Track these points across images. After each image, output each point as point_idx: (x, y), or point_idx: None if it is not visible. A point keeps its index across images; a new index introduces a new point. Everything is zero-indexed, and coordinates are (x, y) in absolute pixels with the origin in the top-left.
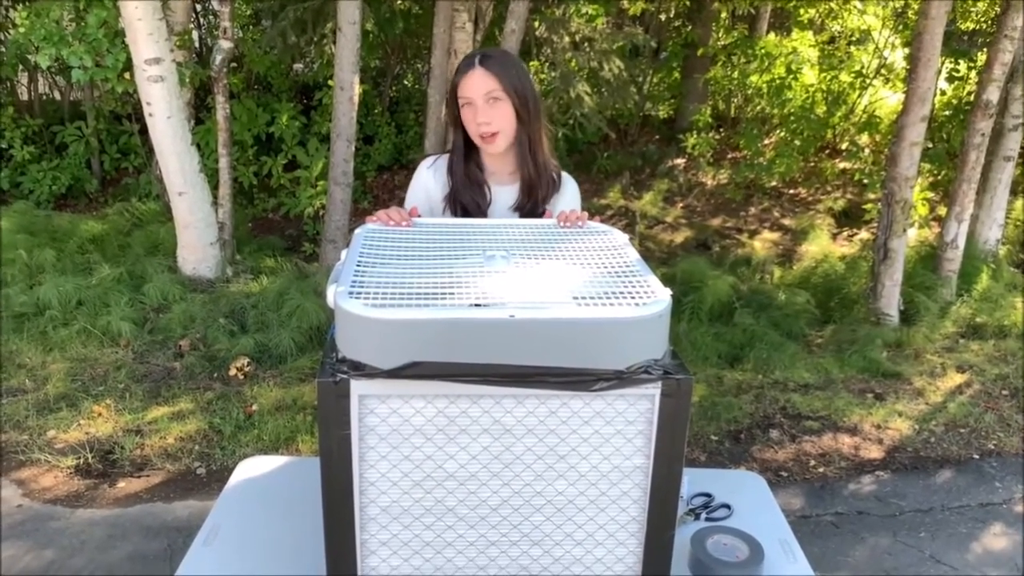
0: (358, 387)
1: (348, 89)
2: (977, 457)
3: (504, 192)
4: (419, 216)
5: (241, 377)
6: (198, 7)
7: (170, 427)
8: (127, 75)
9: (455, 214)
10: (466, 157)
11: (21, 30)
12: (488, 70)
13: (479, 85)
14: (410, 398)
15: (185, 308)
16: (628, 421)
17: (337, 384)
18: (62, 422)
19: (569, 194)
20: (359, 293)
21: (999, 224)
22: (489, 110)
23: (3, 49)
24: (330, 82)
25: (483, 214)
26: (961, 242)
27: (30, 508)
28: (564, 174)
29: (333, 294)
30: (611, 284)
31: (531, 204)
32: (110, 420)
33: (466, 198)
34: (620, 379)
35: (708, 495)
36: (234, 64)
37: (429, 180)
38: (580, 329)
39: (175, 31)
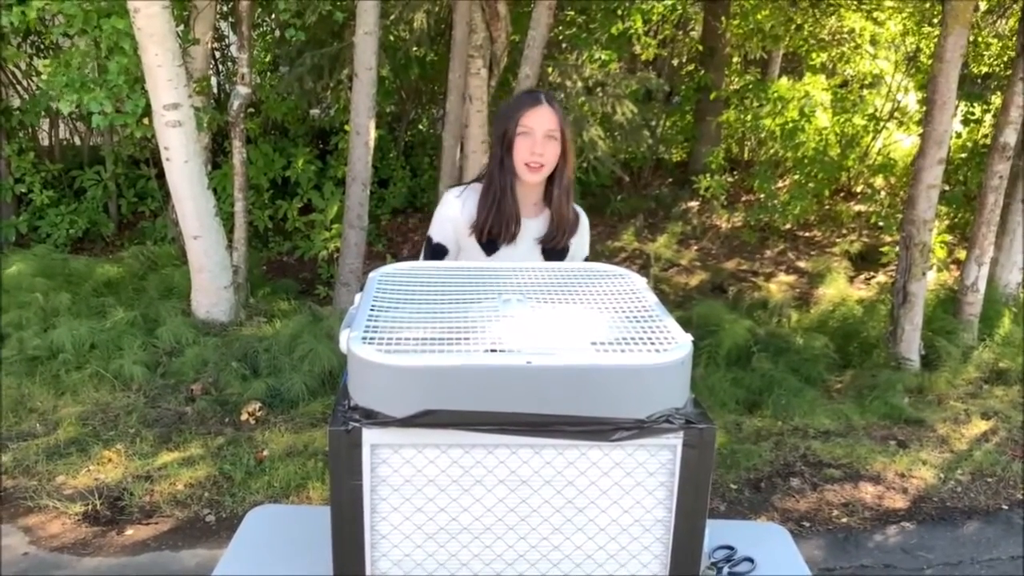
0: (370, 436)
1: (363, 134)
2: (1006, 508)
3: (530, 223)
4: None
5: (252, 422)
6: (217, 54)
7: (180, 473)
8: (146, 120)
9: (480, 242)
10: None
11: (44, 77)
12: (552, 109)
13: (544, 120)
14: (424, 447)
15: (198, 352)
16: (649, 472)
17: (349, 433)
18: (71, 467)
19: (583, 231)
20: (372, 338)
21: (1019, 267)
22: (545, 144)
23: (26, 96)
24: (346, 127)
25: (512, 240)
26: (982, 285)
27: (36, 556)
28: (578, 209)
29: (346, 339)
30: (630, 329)
31: (558, 236)
32: (120, 465)
33: (500, 225)
34: (640, 429)
35: (730, 548)
36: (251, 109)
37: (456, 210)
38: (599, 376)
39: (194, 77)
